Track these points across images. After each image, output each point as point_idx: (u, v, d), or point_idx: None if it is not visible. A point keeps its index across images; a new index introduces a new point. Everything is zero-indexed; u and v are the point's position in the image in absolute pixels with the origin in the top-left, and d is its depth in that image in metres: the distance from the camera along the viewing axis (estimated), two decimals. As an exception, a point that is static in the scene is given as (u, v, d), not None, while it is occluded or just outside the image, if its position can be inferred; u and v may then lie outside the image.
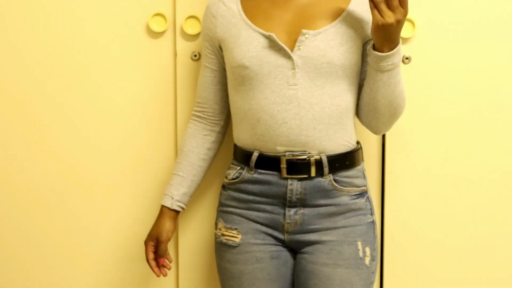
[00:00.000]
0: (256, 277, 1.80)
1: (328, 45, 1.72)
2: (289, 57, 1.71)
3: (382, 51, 1.67)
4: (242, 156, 1.81)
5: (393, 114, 1.77)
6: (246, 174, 1.79)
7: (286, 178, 1.75)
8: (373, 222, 1.82)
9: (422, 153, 2.06)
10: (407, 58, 2.01)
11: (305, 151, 1.75)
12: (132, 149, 2.10)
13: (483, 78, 2.04)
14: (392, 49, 1.67)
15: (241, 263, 1.80)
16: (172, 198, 1.90)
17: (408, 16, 1.98)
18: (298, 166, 1.75)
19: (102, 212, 2.12)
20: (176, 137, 2.08)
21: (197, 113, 1.93)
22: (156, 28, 2.03)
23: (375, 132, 1.86)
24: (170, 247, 2.12)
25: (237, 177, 1.81)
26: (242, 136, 1.80)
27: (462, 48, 2.03)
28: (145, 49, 2.05)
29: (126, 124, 2.09)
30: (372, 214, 1.82)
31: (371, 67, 1.71)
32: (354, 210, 1.78)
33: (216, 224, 1.88)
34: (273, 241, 1.80)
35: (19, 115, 2.09)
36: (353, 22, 1.75)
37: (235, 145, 1.86)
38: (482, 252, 2.09)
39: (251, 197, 1.80)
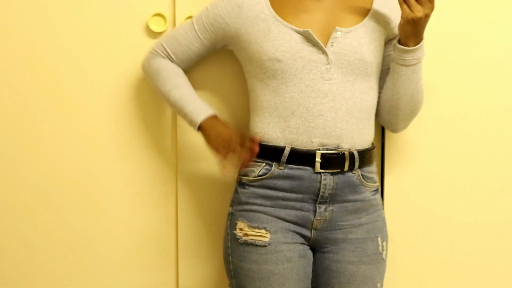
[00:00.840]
0: (286, 277, 1.76)
1: (359, 42, 1.78)
2: (323, 52, 1.76)
3: (407, 46, 1.74)
4: (270, 152, 1.78)
5: (413, 110, 1.85)
6: (276, 170, 1.77)
7: (319, 173, 1.77)
8: (384, 216, 1.89)
9: (421, 153, 2.07)
10: (407, 59, 2.02)
11: (338, 144, 1.77)
12: (131, 149, 2.10)
13: (483, 78, 2.04)
14: (418, 43, 1.74)
15: (271, 263, 1.76)
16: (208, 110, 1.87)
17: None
18: (333, 160, 1.77)
19: (101, 211, 2.12)
20: (176, 137, 2.08)
21: (167, 57, 1.91)
22: (155, 28, 2.03)
23: (393, 130, 1.91)
24: (170, 247, 2.12)
25: (264, 174, 1.78)
26: (271, 130, 1.79)
27: (461, 48, 2.03)
28: (144, 49, 2.04)
29: (125, 124, 2.08)
30: (383, 209, 1.90)
31: (396, 62, 1.77)
32: (374, 205, 1.85)
33: (234, 224, 1.81)
34: (300, 239, 1.80)
35: (18, 114, 2.08)
36: (378, 21, 1.82)
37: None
38: (482, 253, 2.10)
39: (280, 194, 1.78)
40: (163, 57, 1.90)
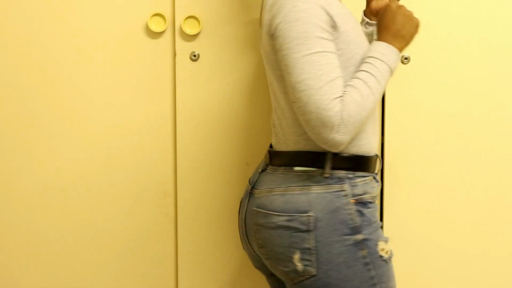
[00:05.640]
0: None
1: None
2: None
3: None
4: (369, 163, 1.60)
5: None
6: (377, 183, 1.63)
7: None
8: None
9: (421, 153, 2.06)
10: (406, 58, 2.01)
11: None
12: (131, 149, 2.10)
13: (482, 77, 2.04)
14: None
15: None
16: None
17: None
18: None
19: (101, 211, 2.12)
20: (175, 137, 2.08)
21: (344, 87, 1.51)
22: (155, 28, 2.03)
23: None
24: (170, 247, 2.12)
25: (375, 189, 1.62)
26: (370, 139, 1.60)
27: (461, 48, 2.03)
28: (144, 49, 2.05)
29: (125, 124, 2.09)
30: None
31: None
32: None
33: (374, 247, 1.56)
34: None
35: (18, 114, 2.09)
36: None
37: (350, 156, 1.57)
38: (482, 253, 2.09)
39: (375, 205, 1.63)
40: (344, 93, 1.49)
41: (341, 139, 1.47)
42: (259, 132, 2.07)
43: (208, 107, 2.07)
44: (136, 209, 2.12)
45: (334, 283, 1.53)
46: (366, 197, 1.58)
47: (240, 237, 1.71)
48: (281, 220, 1.55)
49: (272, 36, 1.53)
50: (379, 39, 1.60)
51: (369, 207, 1.58)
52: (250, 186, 1.66)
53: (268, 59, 1.59)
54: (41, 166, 2.11)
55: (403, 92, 2.04)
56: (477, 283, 2.10)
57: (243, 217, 1.66)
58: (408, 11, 1.63)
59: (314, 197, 1.55)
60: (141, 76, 2.07)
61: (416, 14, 2.00)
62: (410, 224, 2.08)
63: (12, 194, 2.12)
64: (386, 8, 1.63)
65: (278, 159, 1.62)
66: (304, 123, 1.49)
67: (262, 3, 1.64)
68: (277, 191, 1.58)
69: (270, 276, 1.74)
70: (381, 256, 1.57)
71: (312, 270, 1.53)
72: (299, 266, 1.54)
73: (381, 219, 2.08)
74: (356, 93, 1.49)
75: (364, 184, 1.58)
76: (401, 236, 2.08)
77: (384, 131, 2.05)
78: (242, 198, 1.70)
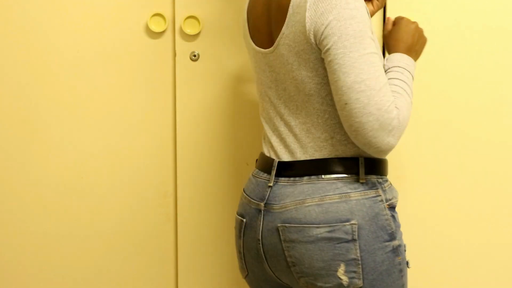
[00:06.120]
0: None
1: None
2: None
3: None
4: (386, 166, 1.56)
5: None
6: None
7: None
8: None
9: (421, 153, 2.06)
10: (406, 58, 2.01)
11: None
12: (131, 149, 2.10)
13: (483, 77, 2.03)
14: None
15: None
16: None
17: (407, 16, 1.98)
18: None
19: (101, 211, 2.12)
20: (175, 137, 2.08)
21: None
22: (155, 28, 2.03)
23: None
24: (170, 247, 2.12)
25: (397, 193, 1.58)
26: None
27: (461, 48, 2.03)
28: (144, 49, 2.05)
29: (125, 124, 2.09)
30: None
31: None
32: None
33: (403, 253, 1.53)
34: None
35: (18, 115, 2.09)
36: None
37: (377, 160, 1.53)
38: (482, 253, 2.09)
39: None
40: (393, 97, 1.45)
41: (394, 143, 1.43)
42: (259, 132, 2.07)
43: (208, 107, 2.07)
44: (136, 209, 2.12)
45: None
46: (394, 201, 1.54)
47: (245, 263, 1.61)
48: (321, 232, 1.46)
49: (321, 34, 1.42)
50: (393, 50, 1.59)
51: (396, 212, 1.53)
52: (260, 203, 1.54)
53: (298, 57, 1.47)
54: (41, 166, 2.11)
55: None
56: (478, 283, 2.09)
57: (258, 238, 1.54)
58: (420, 28, 1.64)
59: (354, 204, 1.47)
60: (141, 76, 2.07)
61: (415, 14, 2.01)
62: (409, 225, 2.08)
63: (12, 194, 2.12)
64: (400, 21, 1.63)
65: (294, 170, 1.52)
66: (357, 126, 1.40)
67: (274, 4, 1.54)
68: (310, 202, 1.47)
69: None
70: (407, 262, 1.54)
71: (359, 282, 1.46)
72: (344, 279, 1.45)
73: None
74: (403, 99, 1.45)
75: (389, 188, 1.54)
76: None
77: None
78: (246, 219, 1.58)
